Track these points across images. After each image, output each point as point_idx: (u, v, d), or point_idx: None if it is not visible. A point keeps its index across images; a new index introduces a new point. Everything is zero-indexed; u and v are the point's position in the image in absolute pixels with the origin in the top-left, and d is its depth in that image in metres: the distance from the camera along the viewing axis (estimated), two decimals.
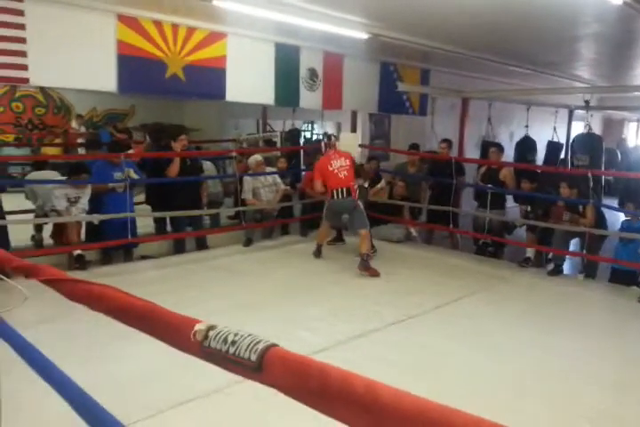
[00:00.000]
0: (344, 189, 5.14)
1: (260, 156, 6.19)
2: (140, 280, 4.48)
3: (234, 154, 6.21)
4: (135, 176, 5.19)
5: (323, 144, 5.83)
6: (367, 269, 4.91)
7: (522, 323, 3.89)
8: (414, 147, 7.04)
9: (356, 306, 4.16)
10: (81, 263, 4.76)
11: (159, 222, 5.74)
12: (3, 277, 1.53)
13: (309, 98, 6.21)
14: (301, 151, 7.57)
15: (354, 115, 7.24)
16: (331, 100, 6.45)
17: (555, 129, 8.65)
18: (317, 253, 5.55)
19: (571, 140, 8.59)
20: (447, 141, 6.74)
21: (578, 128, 9.32)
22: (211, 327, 0.72)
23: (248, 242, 5.96)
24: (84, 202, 4.96)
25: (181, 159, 5.48)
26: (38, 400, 2.44)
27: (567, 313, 4.18)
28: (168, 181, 5.44)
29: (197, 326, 0.74)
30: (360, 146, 6.59)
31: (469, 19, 4.90)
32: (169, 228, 5.77)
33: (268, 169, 6.31)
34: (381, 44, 5.75)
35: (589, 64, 7.88)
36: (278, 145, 7.51)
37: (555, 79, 8.47)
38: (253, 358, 0.63)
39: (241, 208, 6.04)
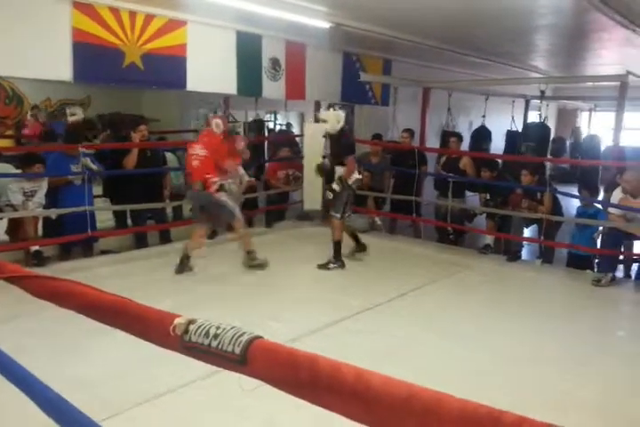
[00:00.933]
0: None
1: None
2: (102, 275, 4.36)
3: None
4: (94, 167, 5.04)
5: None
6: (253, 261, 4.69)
7: (485, 309, 4.01)
8: (377, 137, 7.09)
9: (324, 295, 4.20)
10: (39, 260, 4.60)
11: (119, 216, 5.61)
12: None
13: (272, 88, 6.15)
14: (265, 142, 7.50)
15: (317, 105, 7.21)
16: (294, 90, 6.40)
17: (513, 118, 8.87)
18: (181, 268, 4.58)
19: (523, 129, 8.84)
20: (409, 131, 6.81)
21: (534, 118, 9.59)
22: (191, 321, 0.71)
23: (213, 234, 5.89)
24: (40, 196, 4.78)
25: (141, 150, 5.35)
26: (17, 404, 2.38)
27: (527, 298, 4.33)
28: (126, 172, 5.30)
29: (177, 321, 0.72)
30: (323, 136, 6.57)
31: (430, 9, 4.94)
32: (130, 221, 5.64)
33: None
34: (344, 34, 5.73)
35: (545, 55, 8.08)
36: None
37: (512, 70, 8.66)
38: (237, 350, 0.63)
39: None
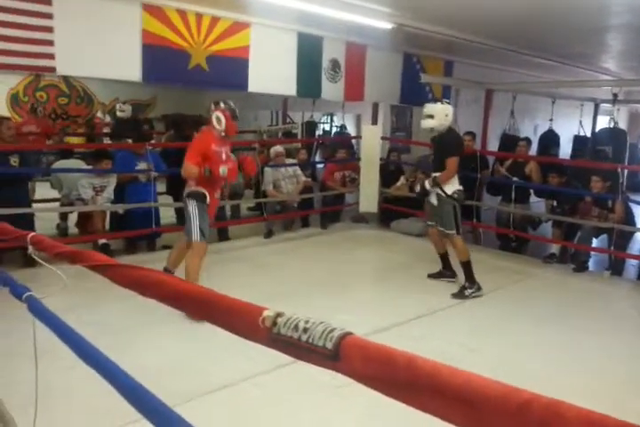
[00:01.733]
0: None
1: (281, 147, 6.18)
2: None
3: (256, 145, 6.20)
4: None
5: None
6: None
7: (548, 319, 3.83)
8: None
9: (385, 298, 4.18)
10: (106, 252, 4.80)
11: (180, 213, 5.77)
12: (44, 262, 1.53)
13: (331, 89, 6.16)
14: (315, 143, 7.53)
15: (375, 106, 7.18)
16: (352, 92, 6.39)
17: (581, 123, 8.50)
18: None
19: (595, 134, 8.43)
20: (471, 134, 6.64)
21: (603, 122, 9.14)
22: (279, 314, 0.70)
23: (269, 234, 5.96)
24: (109, 191, 5.00)
25: None
26: (74, 386, 2.49)
27: (593, 311, 4.11)
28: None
29: (266, 313, 0.72)
30: (382, 138, 6.53)
31: (495, 9, 4.80)
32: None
33: (288, 161, 6.30)
34: (405, 35, 5.66)
35: (617, 56, 7.69)
36: (299, 137, 7.49)
37: (581, 71, 8.29)
38: (329, 345, 0.61)
39: (262, 200, 6.05)
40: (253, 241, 5.81)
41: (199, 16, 4.87)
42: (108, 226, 5.25)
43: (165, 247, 5.49)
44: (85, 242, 5.03)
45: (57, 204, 5.52)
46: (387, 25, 5.31)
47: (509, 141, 7.08)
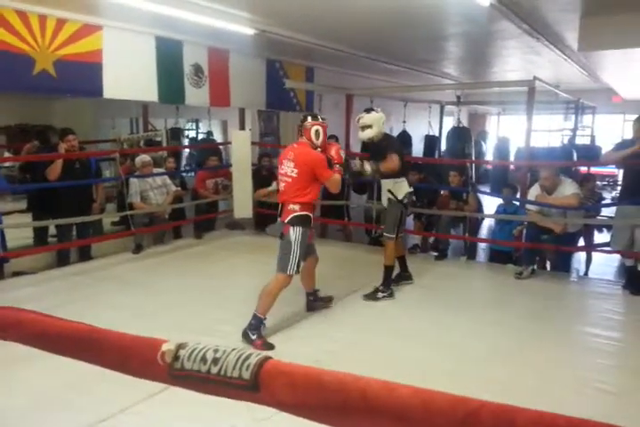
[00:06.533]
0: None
1: (148, 156, 5.85)
2: (15, 299, 3.95)
3: (116, 155, 5.78)
4: None
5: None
6: None
7: (421, 305, 4.15)
8: None
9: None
10: None
11: (39, 232, 5.21)
12: None
13: (195, 94, 5.98)
14: (182, 151, 7.26)
15: (242, 112, 7.11)
16: (218, 97, 6.27)
17: (430, 123, 9.25)
18: None
19: (445, 134, 9.25)
20: (333, 138, 6.87)
21: (448, 122, 10.05)
22: (181, 346, 0.62)
23: (138, 248, 5.61)
24: None
25: (69, 161, 5.02)
26: None
27: (454, 293, 4.52)
28: (45, 185, 4.95)
29: (165, 346, 0.63)
30: (252, 143, 6.48)
31: (348, 18, 5.02)
32: (50, 238, 5.26)
33: (156, 170, 5.99)
34: (267, 41, 5.69)
35: (457, 62, 8.50)
36: (163, 145, 7.16)
37: (427, 77, 9.03)
38: (246, 375, 0.55)
39: (128, 212, 5.66)
40: (121, 258, 5.42)
41: (43, 18, 4.41)
42: None
43: (16, 274, 4.90)
44: None
45: None
46: (249, 31, 5.28)
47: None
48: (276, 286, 3.35)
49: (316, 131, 3.42)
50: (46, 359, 2.76)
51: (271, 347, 3.21)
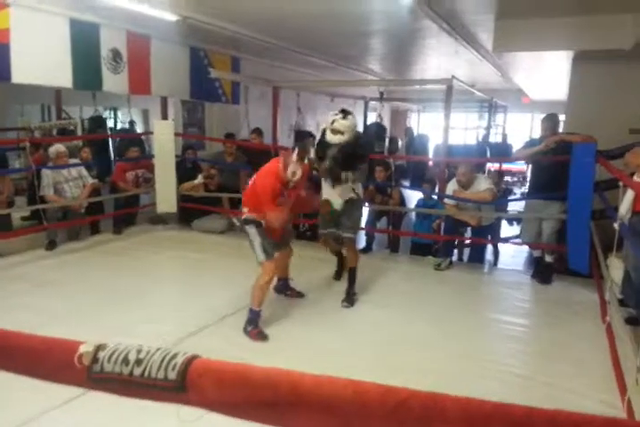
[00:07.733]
0: None
1: (63, 146, 5.49)
2: None
3: (26, 144, 5.38)
4: None
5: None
6: None
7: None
8: (229, 136, 6.96)
9: (188, 302, 4.02)
10: None
11: None
12: None
13: (114, 81, 5.67)
14: (109, 140, 6.91)
15: (164, 101, 6.85)
16: (138, 85, 5.98)
17: None
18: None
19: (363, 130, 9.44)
20: (256, 131, 6.81)
21: (372, 118, 10.27)
22: (100, 347, 0.58)
23: (51, 245, 5.28)
24: None
25: None
26: None
27: (379, 283, 4.66)
28: None
29: (82, 348, 0.58)
30: (175, 134, 6.26)
31: (272, 8, 4.96)
32: None
33: (71, 161, 5.64)
34: (190, 28, 5.50)
35: (380, 58, 8.67)
36: (78, 133, 6.75)
37: (352, 72, 9.14)
38: (172, 375, 0.53)
39: (40, 206, 5.30)
40: (33, 255, 5.07)
41: None
42: None
43: None
44: None
45: None
46: (171, 17, 5.08)
47: (300, 137, 7.49)
48: (260, 277, 3.44)
49: (293, 172, 3.41)
50: None
51: (265, 338, 3.33)
